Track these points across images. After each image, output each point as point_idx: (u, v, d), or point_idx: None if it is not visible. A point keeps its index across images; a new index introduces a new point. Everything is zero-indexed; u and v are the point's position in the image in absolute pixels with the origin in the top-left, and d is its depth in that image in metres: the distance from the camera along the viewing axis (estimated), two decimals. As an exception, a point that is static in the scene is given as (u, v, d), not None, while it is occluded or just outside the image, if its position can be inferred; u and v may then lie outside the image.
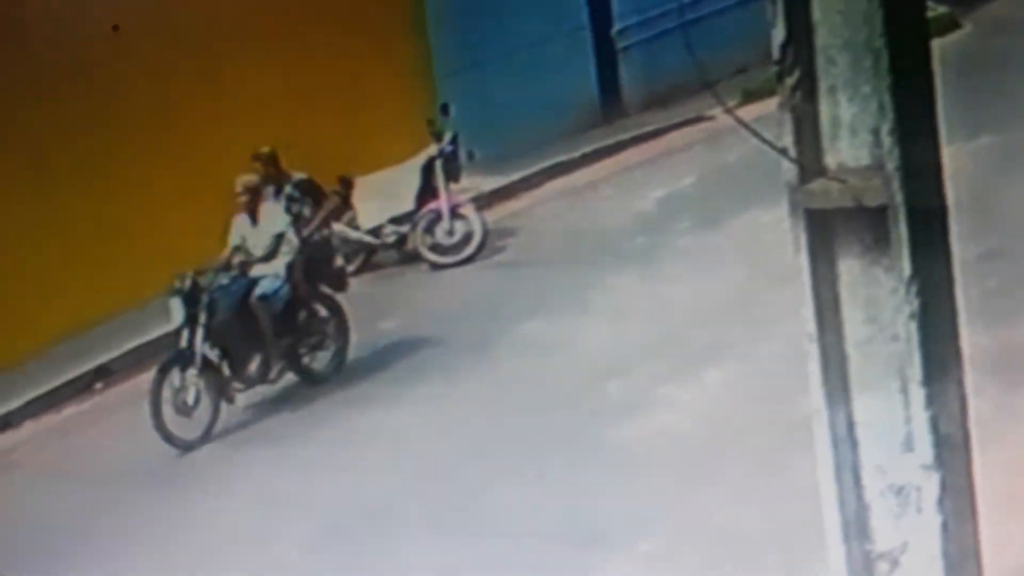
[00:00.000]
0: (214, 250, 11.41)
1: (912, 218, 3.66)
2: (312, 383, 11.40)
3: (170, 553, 8.96)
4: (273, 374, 11.21)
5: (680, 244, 12.72)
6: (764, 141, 3.82)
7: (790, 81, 3.74)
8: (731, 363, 9.97)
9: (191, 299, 10.84)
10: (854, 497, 3.88)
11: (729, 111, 4.44)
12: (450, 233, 13.68)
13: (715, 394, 9.67)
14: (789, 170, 3.79)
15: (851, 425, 3.84)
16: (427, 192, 13.76)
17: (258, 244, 11.29)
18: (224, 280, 11.10)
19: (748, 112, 4.14)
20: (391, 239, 13.90)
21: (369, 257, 14.03)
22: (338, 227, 13.85)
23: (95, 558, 9.07)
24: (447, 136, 13.86)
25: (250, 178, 11.65)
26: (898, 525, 3.84)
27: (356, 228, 13.90)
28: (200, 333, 10.76)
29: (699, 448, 8.96)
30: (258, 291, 11.14)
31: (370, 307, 12.91)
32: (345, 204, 13.94)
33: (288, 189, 12.44)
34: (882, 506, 3.85)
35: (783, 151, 3.78)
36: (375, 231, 13.89)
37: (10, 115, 12.65)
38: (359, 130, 14.61)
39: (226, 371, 10.98)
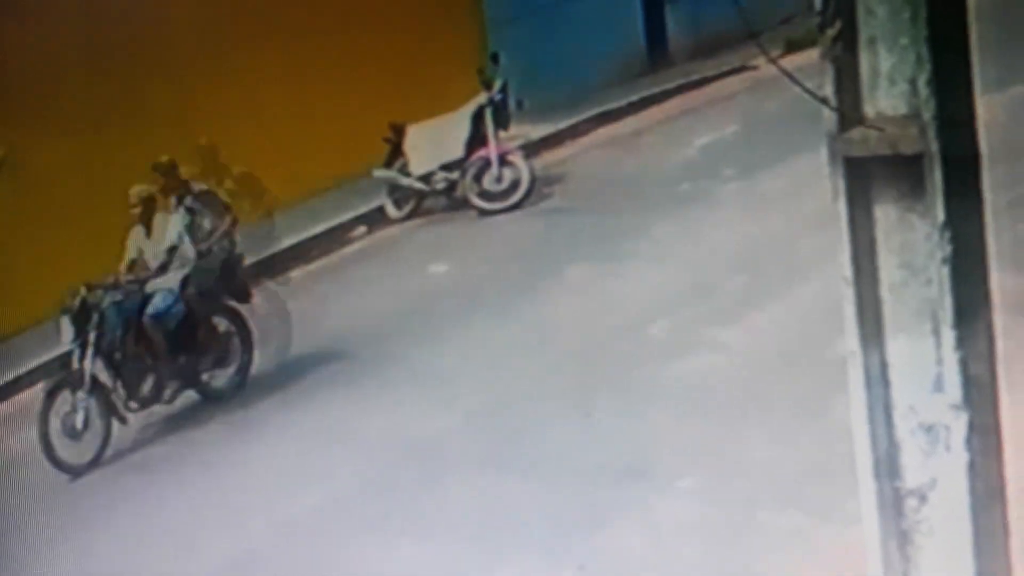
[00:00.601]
0: (282, 194, 11.25)
1: (946, 166, 3.67)
2: (213, 401, 10.60)
3: (226, 489, 9.04)
4: (168, 394, 10.43)
5: (723, 191, 12.71)
6: (806, 90, 3.83)
7: (831, 32, 3.74)
8: (771, 306, 9.98)
9: (81, 317, 10.18)
10: (885, 436, 3.89)
11: (772, 60, 4.43)
12: (498, 180, 13.69)
13: (755, 336, 9.69)
14: (829, 119, 3.80)
15: (884, 366, 3.85)
16: (477, 140, 13.76)
17: (153, 257, 10.72)
18: (117, 296, 10.37)
19: (790, 62, 4.12)
20: (441, 186, 13.91)
21: (420, 203, 14.05)
22: (388, 173, 13.90)
23: (149, 497, 9.20)
24: (497, 85, 13.86)
25: (143, 188, 10.90)
26: (927, 463, 3.85)
27: (407, 175, 13.92)
28: (90, 352, 10.10)
29: (739, 388, 8.99)
30: (150, 309, 10.46)
31: (421, 251, 12.98)
32: (397, 151, 13.98)
33: (188, 200, 11.12)
34: (912, 444, 3.86)
35: (824, 100, 3.79)
36: (426, 178, 13.91)
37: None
38: (411, 78, 14.61)
39: (119, 391, 10.26)
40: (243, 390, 10.66)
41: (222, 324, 10.81)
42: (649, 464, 8.28)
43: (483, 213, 13.65)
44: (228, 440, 9.92)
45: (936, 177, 3.68)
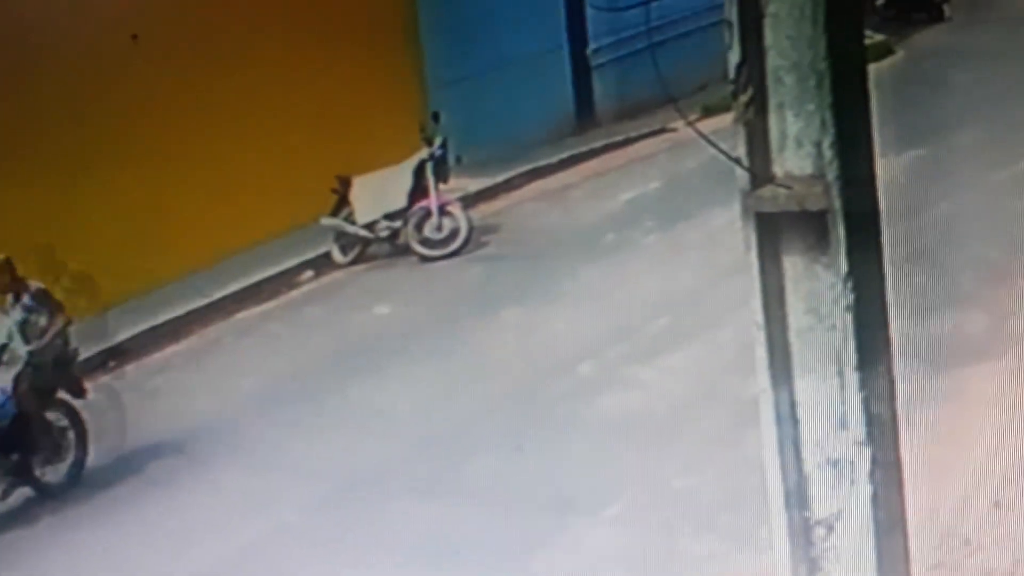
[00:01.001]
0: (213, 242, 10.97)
1: (849, 222, 3.70)
2: (48, 496, 9.79)
3: (176, 519, 8.89)
4: (1, 491, 9.64)
5: (645, 241, 12.75)
6: (720, 151, 3.85)
7: (744, 98, 3.77)
8: (688, 347, 10.01)
9: None
10: (795, 469, 3.91)
11: (690, 124, 4.47)
12: (438, 229, 13.68)
13: (674, 375, 9.71)
14: (742, 177, 3.83)
15: (793, 405, 3.87)
16: (418, 191, 13.75)
17: None
18: None
19: (707, 125, 4.16)
20: (384, 233, 13.88)
21: (364, 249, 14.00)
22: (335, 221, 13.86)
23: (104, 522, 9.09)
24: (437, 141, 13.86)
25: None
26: (834, 495, 3.87)
27: (353, 223, 13.90)
28: None
29: (660, 423, 9.00)
30: None
31: (366, 294, 12.93)
32: (344, 200, 13.95)
33: (25, 299, 10.24)
34: (819, 477, 3.88)
35: (737, 160, 3.81)
36: (370, 226, 13.87)
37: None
38: (358, 134, 14.58)
39: None
40: (78, 484, 9.91)
41: (56, 419, 10.09)
42: (577, 493, 8.27)
43: (424, 259, 13.62)
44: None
45: (839, 232, 3.72)
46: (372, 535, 8.24)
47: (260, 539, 8.42)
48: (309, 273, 13.85)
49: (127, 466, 9.98)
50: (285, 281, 13.62)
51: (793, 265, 3.82)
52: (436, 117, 14.14)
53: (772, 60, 3.72)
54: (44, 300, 10.33)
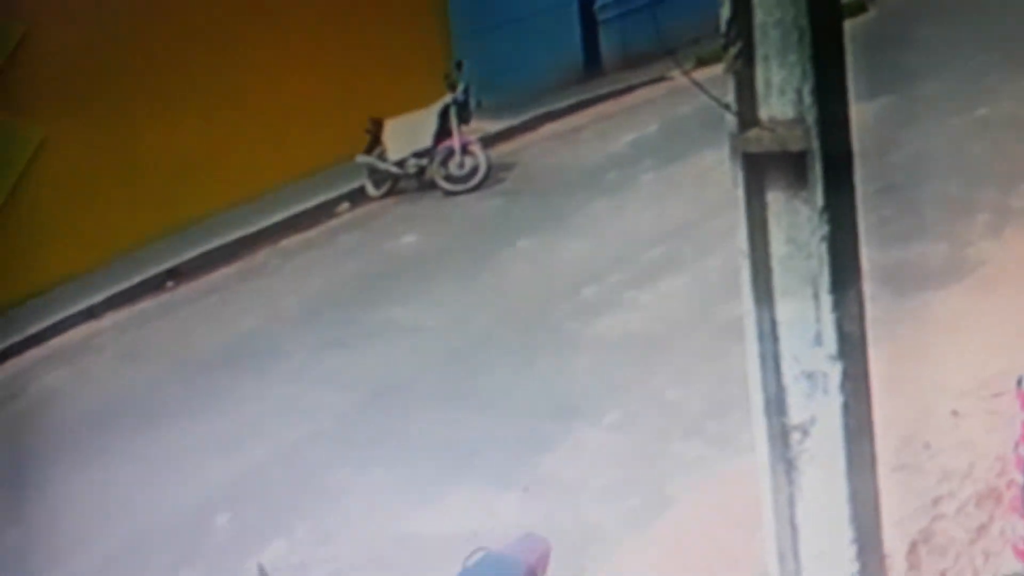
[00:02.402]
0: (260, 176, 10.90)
1: (826, 161, 3.69)
2: None
3: (227, 423, 8.94)
4: None
5: (644, 178, 12.70)
6: (712, 97, 3.83)
7: (733, 50, 3.75)
8: (681, 273, 10.01)
9: None
10: (774, 381, 3.91)
11: (685, 73, 4.44)
12: (461, 166, 13.64)
13: (668, 298, 9.72)
14: (731, 121, 3.81)
15: (774, 323, 3.87)
16: (443, 132, 13.70)
17: None
18: None
19: (700, 74, 4.13)
20: (413, 170, 13.84)
21: (395, 184, 13.97)
22: (368, 159, 13.84)
23: (163, 426, 9.05)
24: (460, 87, 13.79)
25: None
26: (808, 403, 3.87)
27: (385, 160, 13.87)
28: None
29: (654, 341, 9.02)
30: None
31: (396, 224, 12.92)
32: (377, 140, 13.91)
33: None
34: (796, 388, 3.89)
35: (726, 106, 3.80)
36: (400, 163, 13.84)
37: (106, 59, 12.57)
38: (390, 81, 14.53)
39: None
40: None
41: None
42: (581, 403, 8.30)
43: (447, 193, 13.59)
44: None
45: (817, 170, 3.71)
46: (400, 439, 8.28)
47: (300, 442, 8.47)
48: (345, 205, 13.84)
49: (181, 375, 10.04)
50: (324, 212, 13.62)
51: (775, 200, 3.82)
52: (459, 66, 14.07)
53: (759, 16, 3.70)
54: None
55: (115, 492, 8.25)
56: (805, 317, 3.80)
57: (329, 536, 7.33)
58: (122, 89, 12.67)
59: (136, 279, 12.21)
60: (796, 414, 3.90)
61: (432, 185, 13.72)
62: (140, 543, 7.63)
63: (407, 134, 13.79)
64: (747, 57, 3.73)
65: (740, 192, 3.84)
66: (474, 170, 13.59)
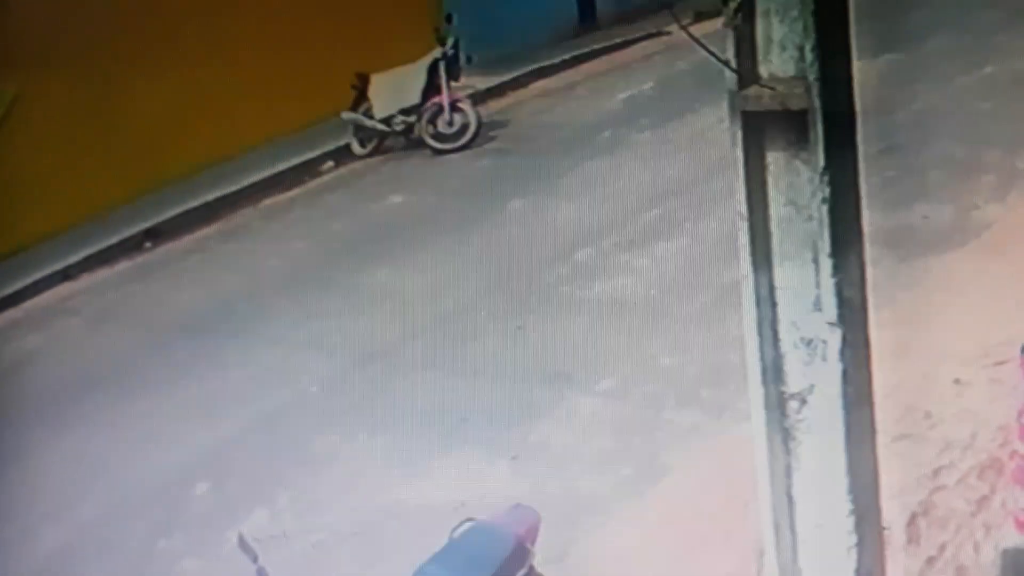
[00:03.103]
0: (241, 134, 10.94)
1: (827, 120, 3.67)
2: None
3: (207, 389, 8.94)
4: None
5: (640, 137, 12.68)
6: (711, 53, 3.82)
7: (733, 4, 3.73)
8: (677, 236, 10.00)
9: None
10: (772, 347, 3.91)
11: (683, 28, 4.42)
12: (450, 124, 13.61)
13: (664, 262, 9.72)
14: (730, 78, 3.79)
15: (772, 288, 3.87)
16: (431, 89, 13.67)
17: None
18: None
19: (698, 29, 4.11)
20: (400, 127, 13.81)
21: (381, 143, 13.95)
22: (354, 115, 13.79)
23: (141, 392, 9.04)
24: (450, 42, 13.74)
25: None
26: (807, 371, 3.88)
27: (371, 117, 13.83)
28: None
29: (650, 305, 9.02)
30: None
31: (382, 184, 12.90)
32: (363, 96, 13.87)
33: None
34: (794, 355, 3.89)
35: (726, 62, 3.78)
36: (387, 120, 13.81)
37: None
38: (377, 34, 14.48)
39: None
40: None
41: None
42: (573, 369, 8.31)
43: (436, 152, 13.57)
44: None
45: (818, 129, 3.70)
46: (386, 406, 8.28)
47: (282, 409, 8.47)
48: (330, 163, 13.82)
49: (159, 339, 10.03)
50: (308, 170, 13.60)
51: (775, 160, 3.81)
52: (449, 19, 14.02)
53: (760, -31, 3.68)
54: None
55: (91, 460, 8.25)
56: (804, 282, 3.80)
57: (312, 506, 7.34)
58: (99, 44, 12.61)
59: (113, 239, 12.20)
60: (794, 382, 3.91)
61: (420, 143, 13.69)
62: (117, 512, 7.63)
63: (394, 90, 13.75)
64: (747, 12, 3.71)
65: (739, 152, 3.83)
66: (463, 128, 13.56)
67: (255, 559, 4.47)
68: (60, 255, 11.87)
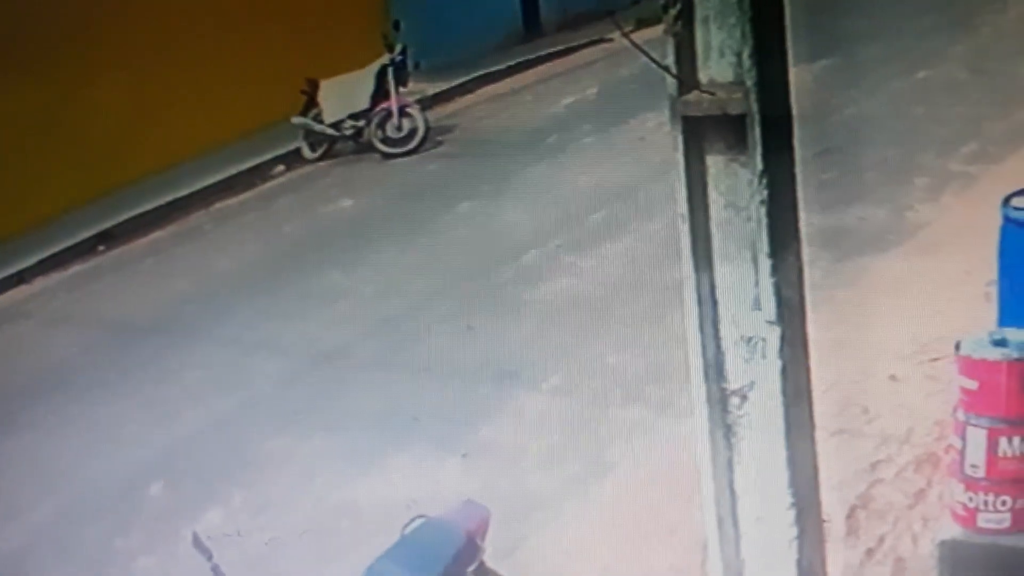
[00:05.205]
0: (193, 138, 10.95)
1: (765, 124, 3.69)
2: None
3: (161, 390, 8.89)
4: None
5: (584, 142, 12.72)
6: (652, 60, 3.83)
7: (673, 12, 3.74)
8: (621, 238, 10.03)
9: None
10: (713, 345, 3.93)
11: (625, 35, 4.43)
12: (398, 128, 13.60)
13: (608, 262, 9.74)
14: (671, 84, 3.81)
15: (713, 288, 3.89)
16: (380, 94, 13.65)
17: None
18: None
19: (640, 36, 4.13)
20: (349, 132, 13.79)
21: (331, 147, 13.92)
22: (304, 120, 13.75)
23: (96, 393, 8.96)
24: (398, 48, 13.73)
25: None
26: (747, 368, 3.90)
27: (320, 122, 13.79)
28: None
29: (595, 306, 9.04)
30: None
31: (332, 188, 12.86)
32: (312, 101, 13.83)
33: None
34: (735, 353, 3.91)
35: (666, 68, 3.79)
36: (336, 125, 13.78)
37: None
38: (326, 40, 14.44)
39: None
40: None
41: None
42: (520, 368, 8.32)
43: (385, 156, 13.56)
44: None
45: (756, 133, 3.72)
46: (338, 406, 8.26)
47: (236, 410, 8.43)
48: (281, 167, 13.77)
49: (113, 341, 9.94)
50: (259, 174, 13.55)
51: (715, 163, 3.82)
52: (397, 25, 14.01)
53: (699, -23, 3.69)
54: None
55: (46, 462, 8.17)
56: (744, 281, 3.82)
57: (266, 505, 7.30)
58: (51, 50, 12.50)
59: (66, 243, 12.11)
60: (735, 379, 3.92)
61: (369, 148, 13.67)
62: (72, 513, 7.56)
63: (343, 95, 13.73)
64: (687, 19, 3.72)
65: (680, 156, 3.84)
66: (412, 132, 13.55)
67: (210, 557, 4.44)
68: (14, 259, 11.76)
